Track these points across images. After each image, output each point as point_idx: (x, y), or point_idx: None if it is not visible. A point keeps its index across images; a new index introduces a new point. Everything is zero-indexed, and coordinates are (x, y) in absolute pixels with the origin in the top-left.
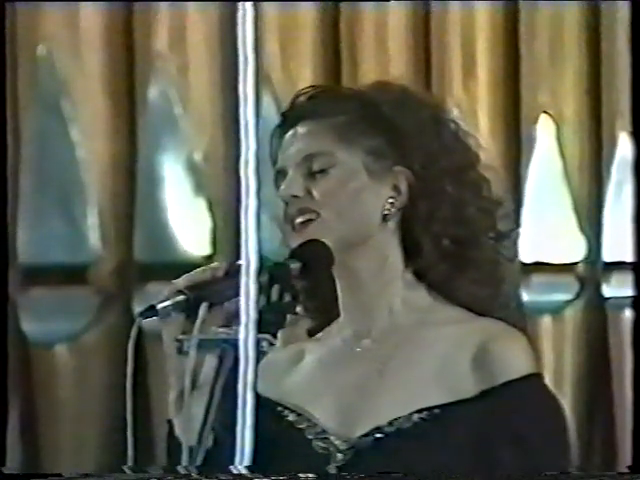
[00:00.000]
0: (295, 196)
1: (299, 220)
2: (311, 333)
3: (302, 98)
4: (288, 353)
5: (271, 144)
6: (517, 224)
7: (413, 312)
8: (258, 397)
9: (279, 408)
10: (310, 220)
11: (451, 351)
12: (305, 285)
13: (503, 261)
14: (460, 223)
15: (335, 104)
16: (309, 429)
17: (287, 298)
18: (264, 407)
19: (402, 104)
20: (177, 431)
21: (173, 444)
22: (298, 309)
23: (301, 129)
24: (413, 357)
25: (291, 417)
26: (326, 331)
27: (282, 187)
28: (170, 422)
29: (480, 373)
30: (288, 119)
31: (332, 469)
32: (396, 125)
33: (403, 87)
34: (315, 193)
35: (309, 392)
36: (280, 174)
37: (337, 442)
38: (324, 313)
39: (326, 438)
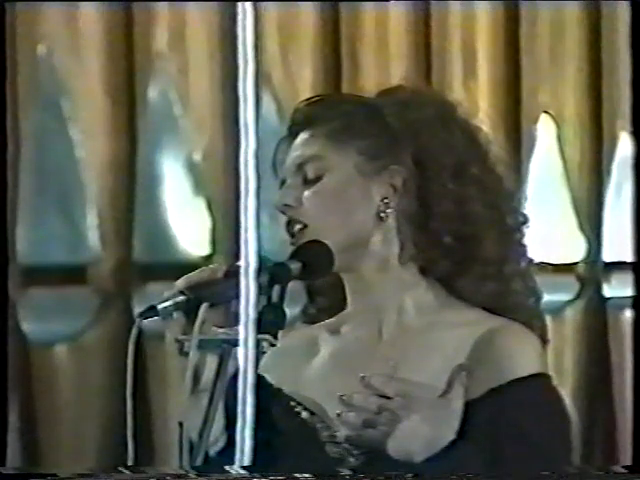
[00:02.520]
0: (287, 205)
1: (294, 228)
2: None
3: (301, 109)
4: (302, 342)
5: (275, 157)
6: (526, 218)
7: (423, 313)
8: (270, 386)
9: (292, 403)
10: (302, 229)
11: (460, 354)
12: (314, 284)
13: (512, 257)
14: (464, 219)
15: (331, 110)
16: (323, 430)
17: (312, 310)
18: (276, 398)
19: (405, 104)
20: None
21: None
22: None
23: (298, 139)
24: (423, 360)
25: (304, 415)
26: (339, 320)
27: (277, 197)
28: (181, 424)
29: (488, 372)
30: (290, 131)
31: (344, 472)
32: (391, 124)
33: (414, 88)
34: (305, 203)
35: (323, 391)
36: (282, 185)
37: (349, 446)
38: (335, 307)
39: (339, 442)
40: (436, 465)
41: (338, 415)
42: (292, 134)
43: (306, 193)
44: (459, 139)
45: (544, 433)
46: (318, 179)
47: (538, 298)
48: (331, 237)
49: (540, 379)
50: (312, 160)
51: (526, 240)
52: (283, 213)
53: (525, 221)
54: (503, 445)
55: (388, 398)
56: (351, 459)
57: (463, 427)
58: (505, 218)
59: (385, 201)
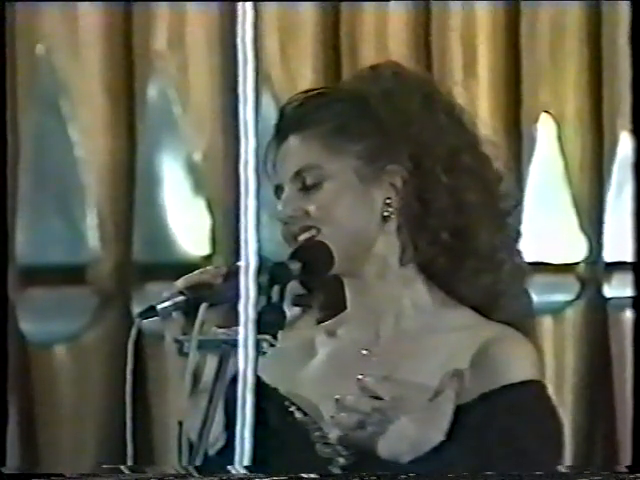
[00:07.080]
0: (292, 217)
1: (302, 237)
2: (320, 322)
3: (290, 107)
4: (299, 342)
5: (266, 157)
6: (519, 201)
7: (420, 315)
8: (265, 386)
9: (286, 403)
10: (313, 236)
11: (455, 358)
12: (313, 282)
13: (504, 242)
14: (458, 211)
15: (321, 111)
16: (314, 431)
17: (301, 291)
18: (271, 398)
19: (390, 94)
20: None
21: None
22: (313, 303)
23: (291, 142)
24: (418, 365)
25: (298, 415)
26: (336, 322)
27: (279, 208)
28: (181, 424)
29: (481, 376)
30: (280, 131)
31: (333, 472)
32: (384, 122)
33: (393, 70)
34: (312, 210)
35: (317, 393)
36: (279, 189)
37: (339, 447)
38: (334, 307)
39: (330, 443)
40: (424, 466)
41: (332, 418)
42: (282, 134)
43: (309, 200)
44: (446, 123)
45: (533, 439)
46: (319, 186)
47: (529, 296)
48: (342, 242)
49: (532, 386)
50: (310, 169)
51: (520, 226)
52: (285, 224)
53: (517, 204)
54: (492, 449)
55: (380, 399)
56: (340, 459)
57: (454, 430)
58: (497, 202)
59: (387, 201)
